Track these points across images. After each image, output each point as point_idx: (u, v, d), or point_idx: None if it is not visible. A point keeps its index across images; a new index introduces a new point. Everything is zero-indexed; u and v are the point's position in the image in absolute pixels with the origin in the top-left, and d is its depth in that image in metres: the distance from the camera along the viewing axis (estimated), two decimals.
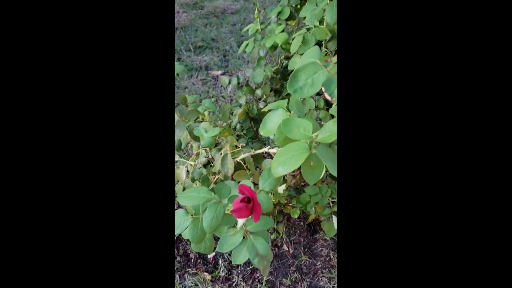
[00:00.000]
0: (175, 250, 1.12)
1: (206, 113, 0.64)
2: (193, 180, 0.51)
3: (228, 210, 0.35)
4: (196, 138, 0.53)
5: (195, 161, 0.56)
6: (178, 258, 1.10)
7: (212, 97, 1.70)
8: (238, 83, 1.00)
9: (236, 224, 0.36)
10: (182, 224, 0.42)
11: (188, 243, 1.15)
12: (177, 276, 1.06)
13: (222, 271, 1.07)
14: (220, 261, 1.09)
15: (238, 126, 0.83)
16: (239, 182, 0.44)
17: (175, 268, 1.07)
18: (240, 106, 0.87)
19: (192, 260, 1.11)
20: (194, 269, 1.08)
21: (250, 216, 0.32)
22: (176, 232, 0.43)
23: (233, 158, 0.45)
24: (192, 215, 0.41)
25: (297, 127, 0.34)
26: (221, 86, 1.79)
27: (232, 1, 2.68)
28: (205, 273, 1.07)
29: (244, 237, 0.40)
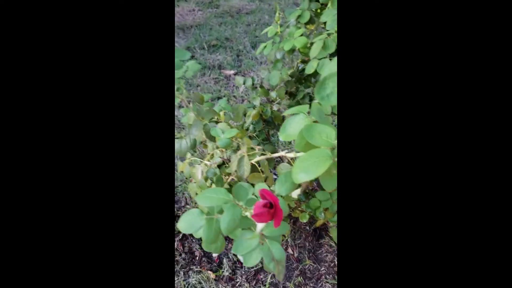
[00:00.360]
0: (181, 247, 1.12)
1: (222, 113, 0.65)
2: (206, 179, 0.52)
3: (245, 212, 0.35)
4: (212, 138, 0.53)
5: (209, 160, 0.56)
6: (183, 255, 1.11)
7: (224, 96, 1.71)
8: (253, 84, 1.00)
9: (252, 227, 0.36)
10: (196, 224, 0.43)
11: (193, 240, 1.15)
12: (181, 273, 1.06)
13: (226, 270, 1.07)
14: (224, 260, 1.10)
15: (251, 127, 0.83)
16: (252, 185, 0.44)
17: (180, 265, 1.08)
18: (254, 107, 0.87)
19: (197, 258, 1.11)
20: (198, 267, 1.08)
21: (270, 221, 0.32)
22: (189, 231, 0.43)
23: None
24: (206, 215, 0.42)
25: (319, 134, 0.34)
26: (233, 85, 1.80)
27: (248, 1, 2.68)
28: (209, 272, 1.07)
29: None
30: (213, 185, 0.55)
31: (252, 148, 0.48)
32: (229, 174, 0.52)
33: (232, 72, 1.89)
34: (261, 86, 1.04)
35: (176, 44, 2.17)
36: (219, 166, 0.53)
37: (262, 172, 0.48)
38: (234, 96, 1.70)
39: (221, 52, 2.06)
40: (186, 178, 1.32)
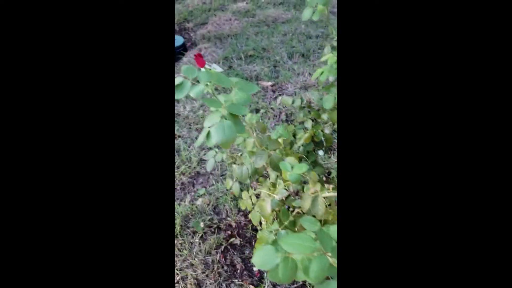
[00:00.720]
0: (223, 259, 1.15)
1: (280, 140, 0.66)
2: (272, 210, 0.53)
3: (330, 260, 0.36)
4: (278, 169, 0.55)
5: (270, 188, 0.58)
6: (225, 268, 1.13)
7: (262, 108, 1.73)
8: (301, 104, 1.01)
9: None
10: (271, 261, 0.44)
11: (234, 253, 1.17)
12: (223, 285, 1.09)
13: (268, 286, 1.08)
14: (265, 275, 1.11)
15: (300, 148, 0.84)
16: (321, 221, 0.45)
17: (222, 277, 1.11)
18: (304, 129, 0.88)
19: (238, 271, 1.13)
20: (240, 280, 1.11)
21: None
22: (265, 268, 0.45)
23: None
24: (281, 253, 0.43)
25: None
26: (270, 97, 1.81)
27: (283, 10, 2.70)
28: (251, 286, 1.09)
29: None
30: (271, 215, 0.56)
31: (320, 183, 0.49)
32: (294, 207, 0.53)
33: (269, 83, 1.91)
34: (309, 106, 1.04)
35: (213, 54, 2.22)
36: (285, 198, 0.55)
37: (330, 207, 0.49)
38: (271, 109, 1.72)
39: (258, 63, 2.08)
40: (227, 190, 1.35)
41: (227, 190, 1.35)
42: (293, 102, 1.01)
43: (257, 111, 1.72)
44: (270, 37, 2.34)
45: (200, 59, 0.74)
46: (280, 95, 1.84)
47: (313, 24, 2.45)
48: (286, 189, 0.51)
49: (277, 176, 0.60)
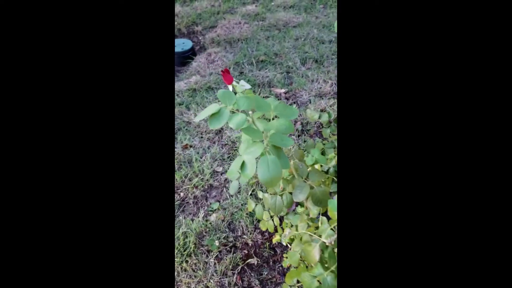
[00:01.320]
0: (240, 281, 1.09)
1: (317, 166, 0.60)
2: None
3: None
4: (320, 204, 0.49)
5: (308, 223, 0.52)
6: None
7: None
8: (329, 119, 0.94)
9: None
10: None
11: (252, 274, 1.11)
12: None
13: None
14: None
15: (331, 169, 0.78)
16: None
17: None
18: (334, 148, 0.81)
19: None
20: None
21: None
22: None
23: None
24: None
25: None
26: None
27: (294, 13, 2.63)
28: None
29: None
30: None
31: None
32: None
33: (282, 90, 1.84)
34: (336, 120, 0.98)
35: (223, 59, 2.16)
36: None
37: None
38: None
39: (270, 69, 2.02)
40: (242, 205, 1.29)
41: (242, 205, 1.29)
42: (319, 117, 0.94)
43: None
44: (281, 41, 2.27)
45: (227, 76, 0.68)
46: (294, 103, 1.77)
47: (325, 28, 2.39)
48: (334, 230, 0.45)
49: (319, 211, 0.53)
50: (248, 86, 0.70)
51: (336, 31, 0.71)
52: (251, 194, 1.33)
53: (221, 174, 1.43)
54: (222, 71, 0.67)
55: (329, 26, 2.40)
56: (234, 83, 0.69)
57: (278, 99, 1.79)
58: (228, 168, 1.44)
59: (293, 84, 1.88)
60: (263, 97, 1.81)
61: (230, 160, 1.48)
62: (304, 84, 1.87)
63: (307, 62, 2.06)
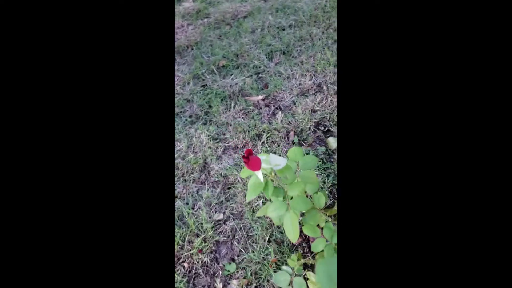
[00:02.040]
0: None
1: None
2: None
3: None
4: None
5: None
6: None
7: (264, 131, 1.42)
8: None
9: None
10: None
11: None
12: None
13: None
14: None
15: None
16: None
17: None
18: None
19: None
20: None
21: None
22: None
23: None
24: None
25: None
26: (267, 114, 1.51)
27: (240, 2, 2.33)
28: None
29: None
30: None
31: None
32: None
33: (260, 97, 1.59)
34: None
35: (176, 72, 1.83)
36: None
37: None
38: (275, 130, 1.42)
39: (235, 74, 1.75)
40: (263, 258, 1.05)
41: (263, 257, 1.06)
42: None
43: (259, 136, 1.41)
44: (237, 38, 1.99)
45: (253, 160, 0.42)
46: (277, 109, 1.53)
47: (280, 12, 2.14)
48: None
49: None
50: (283, 161, 0.45)
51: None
52: (268, 241, 1.10)
53: (224, 223, 1.17)
54: (243, 156, 0.41)
55: (283, 8, 2.15)
56: (263, 165, 0.43)
57: (259, 109, 1.54)
58: (230, 212, 1.18)
59: (269, 87, 1.63)
60: (240, 110, 1.54)
61: (230, 201, 1.22)
62: (281, 84, 1.63)
63: (274, 56, 1.81)
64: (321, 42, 1.82)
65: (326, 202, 0.61)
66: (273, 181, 0.48)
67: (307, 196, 0.62)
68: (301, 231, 0.54)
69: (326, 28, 1.92)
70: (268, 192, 0.44)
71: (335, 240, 0.54)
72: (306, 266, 0.99)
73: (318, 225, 0.61)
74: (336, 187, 1.21)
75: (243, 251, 1.09)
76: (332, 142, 0.74)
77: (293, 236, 0.48)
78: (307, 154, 1.32)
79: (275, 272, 1.02)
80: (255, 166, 0.41)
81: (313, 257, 0.98)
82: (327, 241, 0.57)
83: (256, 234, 1.11)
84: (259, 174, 0.42)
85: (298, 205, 0.48)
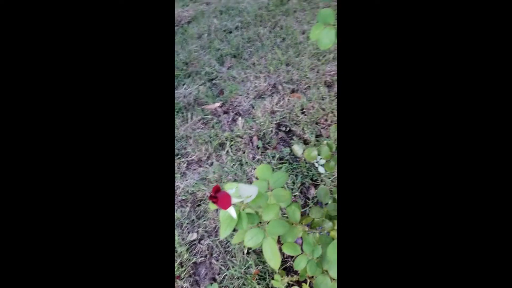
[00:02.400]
0: None
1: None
2: None
3: None
4: None
5: None
6: None
7: (227, 139, 1.38)
8: (331, 152, 0.73)
9: None
10: None
11: None
12: None
13: None
14: None
15: None
16: None
17: None
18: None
19: None
20: None
21: None
22: None
23: None
24: None
25: None
26: (228, 122, 1.47)
27: (181, 6, 2.25)
28: None
29: None
30: None
31: None
32: None
33: (217, 105, 1.55)
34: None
35: None
36: None
37: None
38: (238, 136, 1.39)
39: (187, 83, 1.68)
40: (245, 272, 1.03)
41: (245, 272, 1.03)
42: (319, 154, 0.72)
43: (222, 145, 1.37)
44: (184, 45, 1.92)
45: (222, 197, 0.39)
46: (236, 114, 1.50)
47: (224, 14, 2.10)
48: None
49: None
50: (254, 189, 0.43)
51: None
52: (248, 252, 1.07)
53: (199, 242, 1.12)
54: (211, 195, 0.38)
55: (227, 10, 2.12)
56: (234, 199, 0.40)
57: (217, 117, 1.50)
58: (204, 230, 1.14)
59: (225, 93, 1.60)
60: (198, 121, 1.49)
61: (201, 219, 1.17)
62: (236, 89, 1.60)
63: (225, 60, 1.77)
64: (269, 41, 1.82)
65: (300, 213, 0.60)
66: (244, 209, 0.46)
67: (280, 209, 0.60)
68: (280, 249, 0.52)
69: (273, 27, 1.93)
70: (243, 225, 0.41)
71: (316, 255, 0.53)
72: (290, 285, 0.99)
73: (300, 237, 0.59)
74: (305, 186, 1.21)
75: (223, 268, 1.05)
76: (297, 149, 0.73)
77: (274, 263, 0.46)
78: (273, 157, 1.31)
79: (259, 284, 1.00)
80: (225, 204, 0.38)
81: (296, 273, 0.97)
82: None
83: (234, 248, 1.08)
84: (231, 210, 0.39)
85: (276, 229, 0.46)
